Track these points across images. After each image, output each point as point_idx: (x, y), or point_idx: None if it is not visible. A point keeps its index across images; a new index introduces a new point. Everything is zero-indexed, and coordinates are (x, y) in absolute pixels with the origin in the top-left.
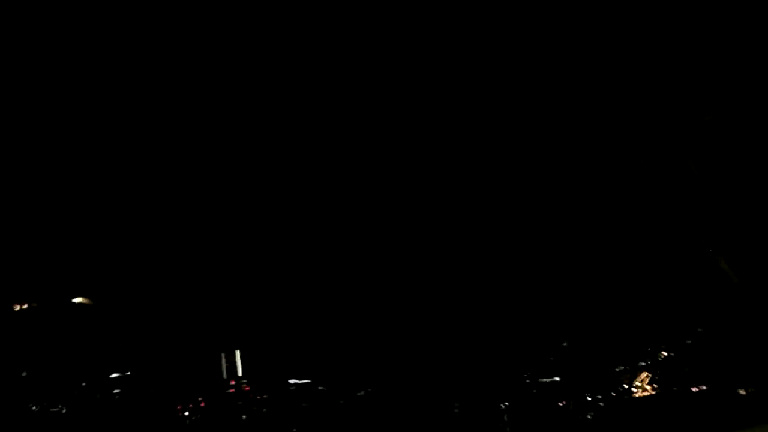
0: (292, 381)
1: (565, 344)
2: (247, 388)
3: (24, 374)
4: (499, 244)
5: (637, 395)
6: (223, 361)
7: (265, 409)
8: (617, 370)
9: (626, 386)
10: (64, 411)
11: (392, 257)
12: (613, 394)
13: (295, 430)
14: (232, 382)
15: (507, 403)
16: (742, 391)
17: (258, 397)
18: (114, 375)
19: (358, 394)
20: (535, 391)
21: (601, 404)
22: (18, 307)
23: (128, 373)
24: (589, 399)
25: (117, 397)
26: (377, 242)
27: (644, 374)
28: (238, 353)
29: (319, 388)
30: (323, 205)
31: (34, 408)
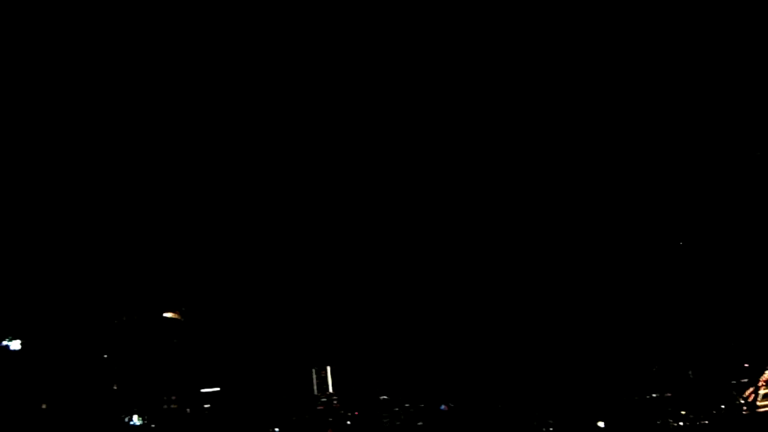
0: (382, 397)
1: (668, 359)
2: (338, 404)
3: (115, 387)
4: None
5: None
6: (314, 376)
7: (353, 425)
8: (734, 383)
9: (744, 400)
10: (154, 426)
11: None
12: (729, 408)
13: None
14: (323, 399)
15: (603, 424)
16: None
17: (348, 413)
18: (206, 390)
19: (442, 408)
20: (634, 408)
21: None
22: (115, 321)
23: (218, 389)
24: (701, 416)
25: (208, 412)
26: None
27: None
28: (329, 369)
29: (406, 405)
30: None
31: (127, 421)
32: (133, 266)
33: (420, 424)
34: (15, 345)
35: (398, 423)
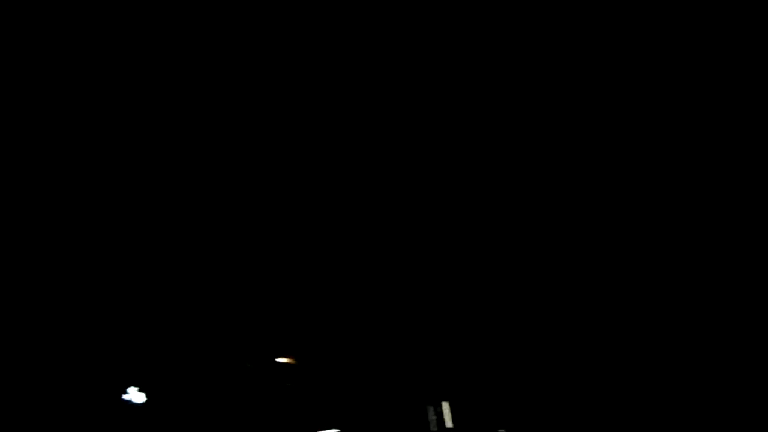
0: (501, 431)
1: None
2: None
3: None
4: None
5: None
6: (431, 413)
7: None
8: None
9: None
10: None
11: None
12: None
13: None
14: None
15: None
16: None
17: None
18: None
19: None
20: None
21: None
22: (231, 369)
23: (339, 430)
24: None
25: None
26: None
27: None
28: (446, 405)
29: None
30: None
31: None
32: (247, 313)
33: None
34: (138, 397)
35: None
